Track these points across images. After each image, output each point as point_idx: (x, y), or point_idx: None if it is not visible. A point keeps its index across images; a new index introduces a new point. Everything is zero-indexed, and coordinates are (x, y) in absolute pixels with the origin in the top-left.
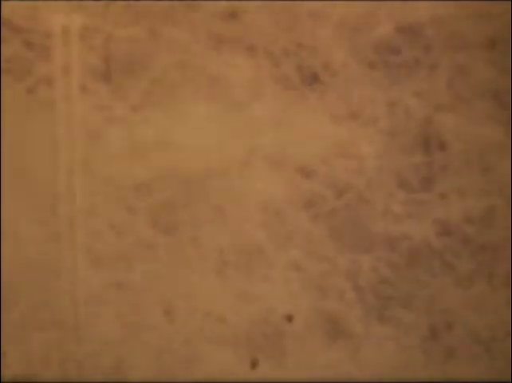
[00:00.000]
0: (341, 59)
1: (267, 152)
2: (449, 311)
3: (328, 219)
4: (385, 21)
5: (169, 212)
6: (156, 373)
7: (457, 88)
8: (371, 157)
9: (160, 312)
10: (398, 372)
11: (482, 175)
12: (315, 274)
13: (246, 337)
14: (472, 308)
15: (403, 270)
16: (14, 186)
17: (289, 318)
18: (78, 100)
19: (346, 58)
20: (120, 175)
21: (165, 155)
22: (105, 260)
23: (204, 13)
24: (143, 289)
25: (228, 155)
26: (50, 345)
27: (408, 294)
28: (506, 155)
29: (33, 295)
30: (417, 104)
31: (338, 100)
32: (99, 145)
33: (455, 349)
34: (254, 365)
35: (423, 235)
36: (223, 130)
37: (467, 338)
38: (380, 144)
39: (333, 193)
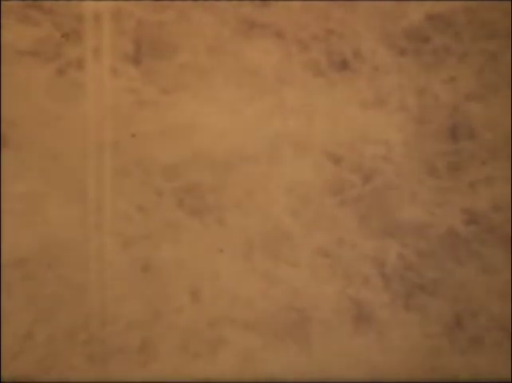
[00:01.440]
0: (371, 46)
1: (295, 137)
2: (474, 299)
3: (355, 204)
4: (416, 8)
5: (197, 195)
6: (181, 354)
7: (486, 76)
8: (399, 144)
9: (187, 294)
10: (423, 358)
11: (510, 163)
12: (341, 259)
13: (272, 321)
14: (498, 296)
15: (430, 258)
16: (43, 167)
17: None
18: (108, 82)
19: (376, 45)
20: (148, 157)
21: (194, 138)
22: (132, 241)
23: None
24: (169, 271)
25: (256, 139)
26: (76, 325)
27: (434, 282)
28: None
29: (60, 276)
30: (446, 92)
31: (367, 86)
32: (128, 127)
33: (480, 337)
34: None
35: (451, 223)
36: (252, 115)
37: (492, 326)
38: (408, 131)
39: (361, 179)
